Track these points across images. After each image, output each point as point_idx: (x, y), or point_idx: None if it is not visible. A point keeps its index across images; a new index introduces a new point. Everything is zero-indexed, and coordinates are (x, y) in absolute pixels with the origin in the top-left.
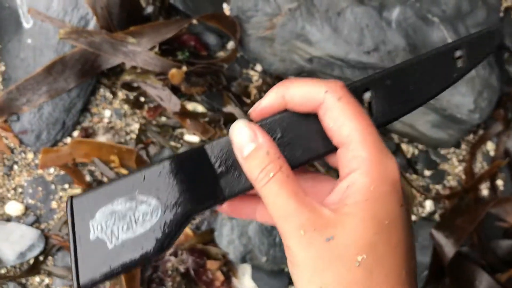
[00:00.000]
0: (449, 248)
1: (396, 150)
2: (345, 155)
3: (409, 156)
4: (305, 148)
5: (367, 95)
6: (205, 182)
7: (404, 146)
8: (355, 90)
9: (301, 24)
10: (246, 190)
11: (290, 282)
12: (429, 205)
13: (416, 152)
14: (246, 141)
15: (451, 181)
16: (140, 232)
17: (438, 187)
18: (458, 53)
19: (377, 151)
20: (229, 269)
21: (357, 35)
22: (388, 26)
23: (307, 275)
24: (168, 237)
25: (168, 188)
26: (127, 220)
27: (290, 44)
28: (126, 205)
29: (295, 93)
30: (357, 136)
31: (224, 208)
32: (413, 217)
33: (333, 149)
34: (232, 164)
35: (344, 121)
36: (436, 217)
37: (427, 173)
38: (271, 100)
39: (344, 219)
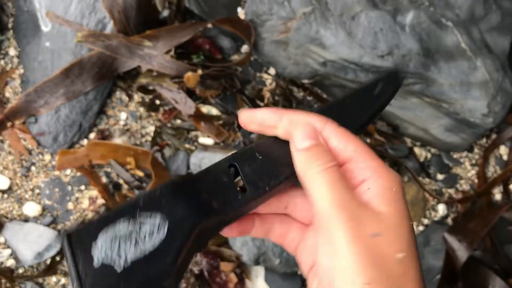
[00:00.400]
0: (462, 252)
1: (409, 154)
2: (355, 166)
3: (422, 159)
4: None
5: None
6: (203, 201)
7: (417, 150)
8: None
9: (315, 28)
10: (242, 206)
11: (303, 284)
12: (441, 209)
13: (429, 156)
14: (309, 136)
15: (464, 185)
16: (149, 250)
17: (451, 191)
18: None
19: (382, 161)
20: (242, 271)
21: (371, 39)
22: (402, 30)
23: (353, 269)
24: (178, 251)
25: (169, 206)
26: (132, 240)
27: (304, 48)
28: (129, 226)
29: (299, 119)
30: (363, 151)
31: (231, 231)
32: (426, 221)
33: None
34: (225, 188)
35: (348, 140)
36: (449, 221)
37: (440, 177)
38: (266, 116)
39: (386, 217)
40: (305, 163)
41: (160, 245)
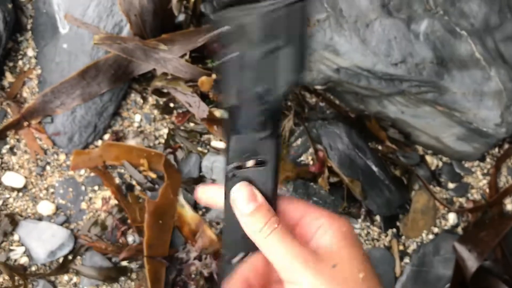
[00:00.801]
0: (472, 262)
1: (421, 162)
2: (309, 219)
3: (433, 168)
4: None
5: None
6: None
7: (428, 158)
8: None
9: (329, 35)
10: None
11: None
12: (452, 218)
13: (440, 164)
14: (249, 200)
15: (475, 195)
16: None
17: (462, 200)
18: None
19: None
20: None
21: (385, 47)
22: (416, 38)
23: None
24: None
25: None
26: None
27: (318, 55)
28: None
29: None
30: (311, 206)
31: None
32: (436, 230)
33: None
34: None
35: (293, 201)
36: (459, 230)
37: (451, 185)
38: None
39: (339, 250)
40: (253, 228)
41: None
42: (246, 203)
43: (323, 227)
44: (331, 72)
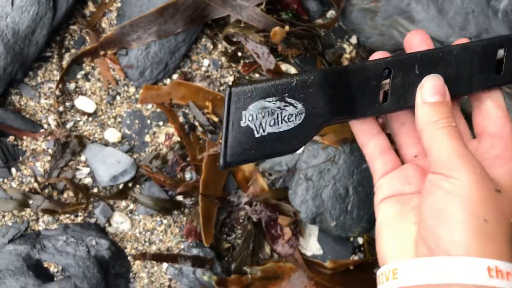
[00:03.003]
0: None
1: None
2: (496, 143)
3: None
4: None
5: (500, 52)
6: (344, 98)
7: None
8: (492, 45)
9: (407, 1)
10: (376, 114)
11: (354, 251)
12: None
13: None
14: (439, 91)
15: None
16: (283, 129)
17: None
18: None
19: None
20: (297, 227)
21: (461, 20)
22: (494, 15)
23: (474, 205)
24: (305, 139)
25: (313, 97)
26: (274, 116)
27: (392, 20)
28: (276, 104)
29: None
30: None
31: None
32: None
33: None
34: (369, 90)
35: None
36: None
37: None
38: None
39: (506, 185)
40: (428, 117)
41: (292, 129)
42: (433, 93)
43: (501, 161)
44: (403, 39)
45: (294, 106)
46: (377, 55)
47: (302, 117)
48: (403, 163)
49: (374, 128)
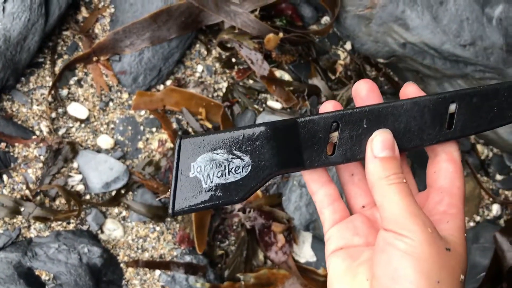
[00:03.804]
0: (511, 254)
1: (471, 150)
2: (444, 198)
3: (482, 157)
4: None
5: (452, 107)
6: (291, 150)
7: (479, 147)
8: (443, 100)
9: (402, 8)
10: (324, 166)
11: None
12: (496, 209)
13: (491, 155)
14: (388, 146)
15: None
16: (230, 180)
17: (508, 193)
18: None
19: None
20: (290, 234)
21: (456, 27)
22: (488, 22)
23: (427, 266)
24: (251, 190)
25: (260, 150)
26: (222, 168)
27: (387, 26)
28: (224, 156)
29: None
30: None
31: None
32: (478, 218)
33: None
34: (317, 142)
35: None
36: (501, 222)
37: (499, 177)
38: None
39: (455, 242)
40: (379, 172)
41: (238, 181)
42: (383, 148)
43: (447, 217)
44: (397, 46)
45: (241, 159)
46: (327, 106)
47: (249, 170)
48: (351, 213)
49: (323, 177)
